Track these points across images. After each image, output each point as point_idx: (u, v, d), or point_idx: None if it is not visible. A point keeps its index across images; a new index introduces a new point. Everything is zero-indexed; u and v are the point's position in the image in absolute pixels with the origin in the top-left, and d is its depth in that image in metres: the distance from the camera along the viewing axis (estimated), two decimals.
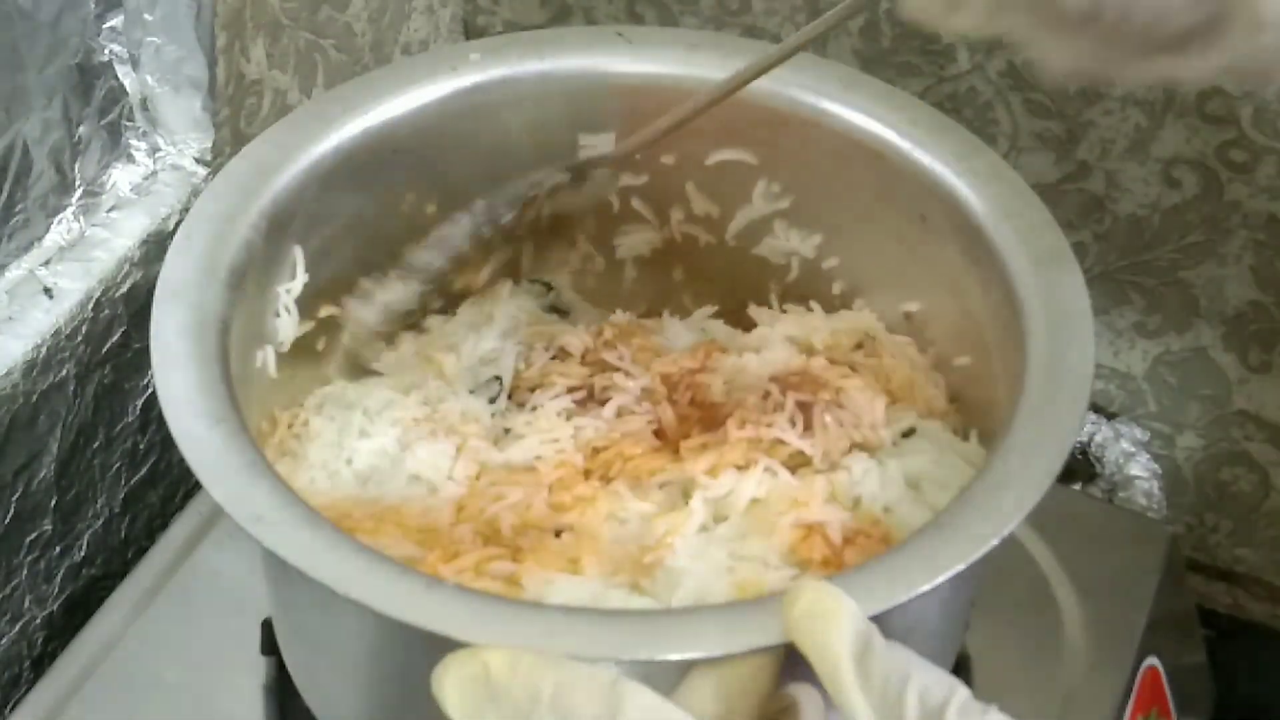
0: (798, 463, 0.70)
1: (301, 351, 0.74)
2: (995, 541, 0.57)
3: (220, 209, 0.68)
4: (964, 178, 0.70)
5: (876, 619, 0.55)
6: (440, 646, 0.55)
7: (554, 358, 0.76)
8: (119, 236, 0.81)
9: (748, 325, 0.80)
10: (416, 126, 0.74)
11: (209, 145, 0.85)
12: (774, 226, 0.79)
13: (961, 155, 0.71)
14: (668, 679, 0.58)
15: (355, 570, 0.56)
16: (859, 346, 0.76)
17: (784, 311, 0.79)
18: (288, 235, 0.71)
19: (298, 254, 0.72)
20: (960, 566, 0.56)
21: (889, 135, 0.73)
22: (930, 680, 0.52)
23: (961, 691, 0.52)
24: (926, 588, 0.56)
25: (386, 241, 0.77)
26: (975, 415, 0.73)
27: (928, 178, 0.71)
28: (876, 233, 0.75)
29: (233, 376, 0.63)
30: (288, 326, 0.72)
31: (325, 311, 0.75)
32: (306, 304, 0.73)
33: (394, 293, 0.75)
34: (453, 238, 0.75)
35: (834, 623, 0.52)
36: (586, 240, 0.81)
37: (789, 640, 0.53)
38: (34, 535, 0.79)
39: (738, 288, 0.81)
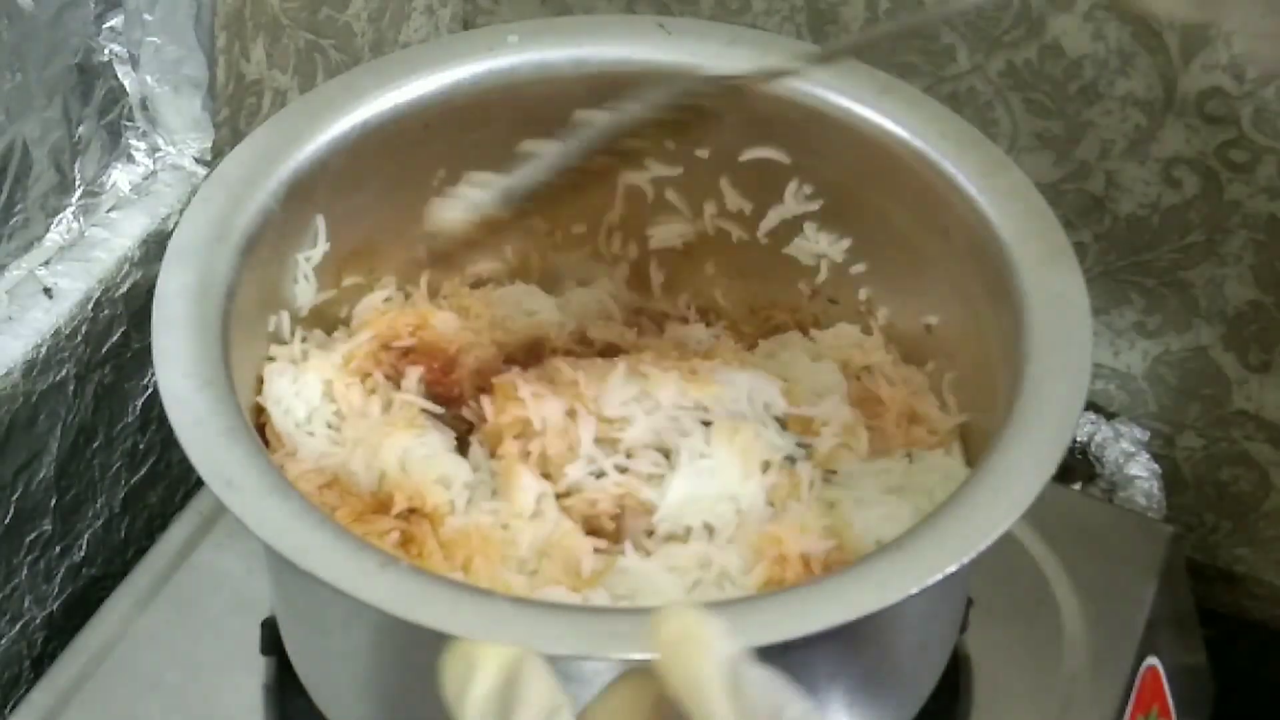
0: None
1: (323, 319, 0.74)
2: (984, 546, 0.57)
3: (241, 174, 0.68)
4: (986, 195, 0.70)
5: (865, 620, 0.55)
6: (407, 633, 0.55)
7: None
8: (119, 236, 0.81)
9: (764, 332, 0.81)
10: (450, 104, 0.74)
11: (209, 145, 0.85)
12: (804, 227, 0.79)
13: (987, 172, 0.71)
14: (616, 674, 0.58)
15: (316, 542, 0.56)
16: (857, 378, 0.76)
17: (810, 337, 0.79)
18: (310, 203, 0.71)
19: (320, 222, 0.72)
20: (950, 569, 0.56)
21: (918, 146, 0.72)
22: (802, 711, 0.47)
23: None
24: (914, 591, 0.56)
25: (416, 214, 0.77)
26: (979, 427, 0.72)
27: (951, 192, 0.71)
28: (902, 242, 0.75)
29: (234, 340, 0.64)
30: (306, 293, 0.73)
31: (350, 280, 0.75)
32: (329, 272, 0.74)
33: (481, 195, 0.70)
34: (561, 155, 0.69)
35: (703, 651, 0.47)
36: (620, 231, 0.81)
37: (657, 668, 0.48)
38: (34, 535, 0.79)
39: (768, 285, 0.81)
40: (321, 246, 0.73)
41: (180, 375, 0.60)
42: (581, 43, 0.76)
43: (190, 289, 0.63)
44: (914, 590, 0.56)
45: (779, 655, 0.59)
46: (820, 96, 0.74)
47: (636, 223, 0.81)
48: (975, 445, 0.72)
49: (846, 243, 0.78)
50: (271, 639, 0.74)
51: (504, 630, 0.54)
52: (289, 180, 0.69)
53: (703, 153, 0.77)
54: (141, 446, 0.85)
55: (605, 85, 0.76)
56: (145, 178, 0.84)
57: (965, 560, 0.56)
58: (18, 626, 0.80)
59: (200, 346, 0.61)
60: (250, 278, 0.66)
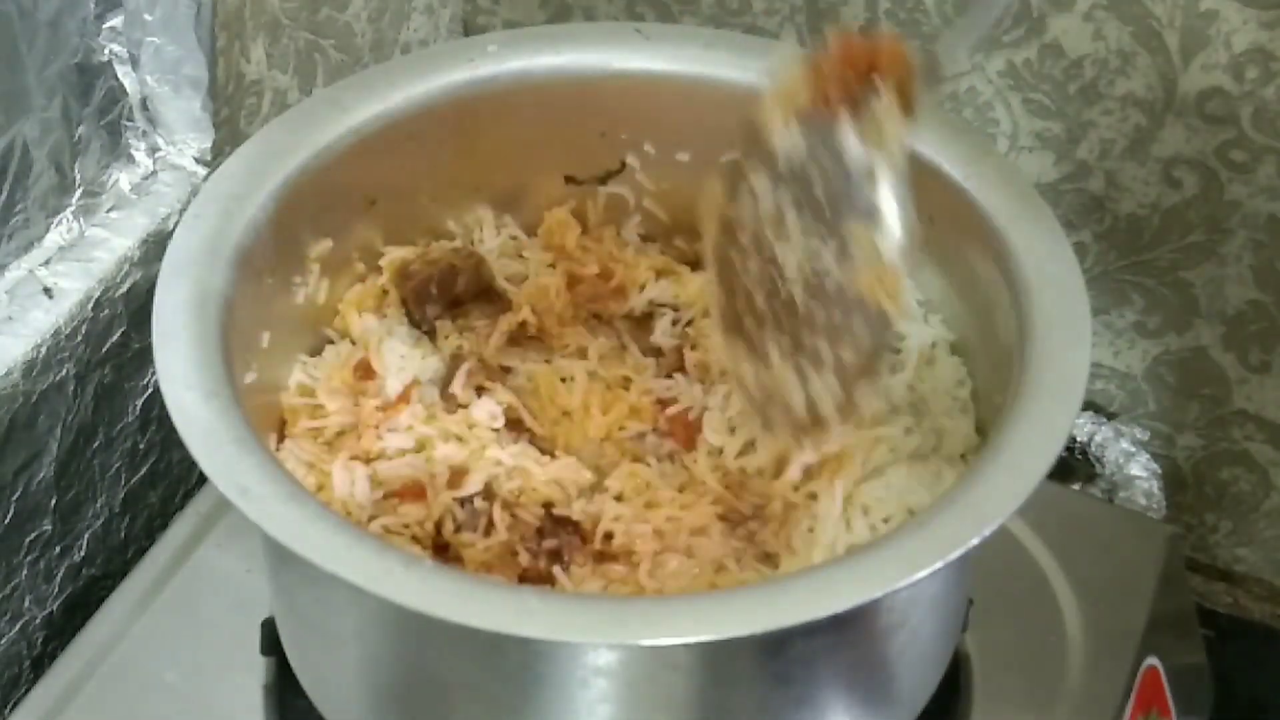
0: None
1: (318, 328, 0.74)
2: (975, 542, 0.57)
3: (231, 189, 0.68)
4: (971, 181, 0.70)
5: (857, 613, 0.55)
6: (425, 627, 0.55)
7: None
8: (119, 236, 0.81)
9: None
10: (434, 115, 0.74)
11: (208, 145, 0.85)
12: None
13: (970, 158, 0.71)
14: (640, 664, 0.59)
15: (337, 545, 0.56)
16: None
17: None
18: (299, 217, 0.71)
19: (310, 235, 0.72)
20: (937, 565, 0.56)
21: None
22: None
23: None
24: (900, 585, 0.56)
25: (404, 228, 0.77)
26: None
27: (935, 180, 0.71)
28: None
29: (233, 351, 0.64)
30: (301, 303, 0.73)
31: (343, 289, 0.75)
32: (323, 282, 0.74)
33: None
34: None
35: None
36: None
37: None
38: (34, 535, 0.79)
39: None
40: (313, 259, 0.73)
41: (185, 389, 0.61)
42: (560, 50, 0.76)
43: (188, 303, 0.64)
44: (908, 580, 0.56)
45: (779, 651, 0.60)
46: None
47: (614, 224, 0.81)
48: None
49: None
50: (271, 639, 0.74)
51: (533, 622, 0.54)
52: (278, 194, 0.69)
53: (684, 155, 0.78)
54: (141, 446, 0.85)
55: (582, 92, 0.76)
56: (145, 178, 0.84)
57: (942, 563, 0.56)
58: (18, 626, 0.80)
59: (202, 359, 0.62)
60: (246, 290, 0.67)
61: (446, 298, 0.75)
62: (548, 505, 0.68)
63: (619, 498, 0.68)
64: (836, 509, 0.66)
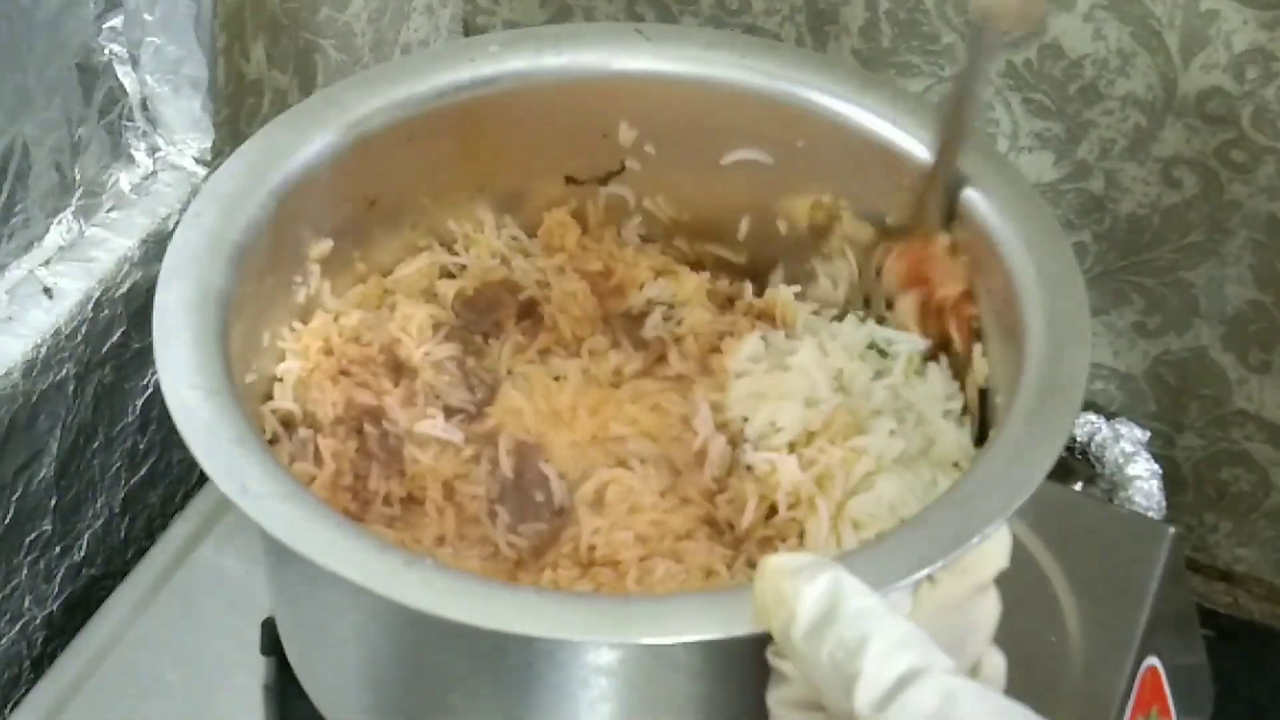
0: None
1: (321, 326, 0.74)
2: (975, 541, 0.57)
3: (232, 188, 0.68)
4: (971, 181, 0.70)
5: None
6: (425, 626, 0.55)
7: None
8: (119, 236, 0.81)
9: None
10: (434, 114, 0.74)
11: (208, 145, 0.85)
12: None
13: (970, 158, 0.71)
14: (641, 663, 0.59)
15: (336, 544, 0.56)
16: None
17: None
18: (300, 215, 0.71)
19: (310, 235, 0.72)
20: (937, 565, 0.56)
21: (901, 139, 0.73)
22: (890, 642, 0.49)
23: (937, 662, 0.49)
24: (900, 585, 0.56)
25: (404, 228, 0.77)
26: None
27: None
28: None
29: (234, 350, 0.64)
30: (303, 302, 0.73)
31: (345, 288, 0.75)
32: (324, 281, 0.74)
33: None
34: None
35: (785, 618, 0.51)
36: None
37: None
38: (34, 535, 0.79)
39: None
40: (314, 259, 0.73)
41: (186, 386, 0.61)
42: (562, 50, 0.76)
43: (189, 301, 0.64)
44: (908, 581, 0.56)
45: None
46: (802, 96, 0.74)
47: (612, 224, 0.81)
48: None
49: None
50: (271, 639, 0.74)
51: (534, 621, 0.54)
52: (278, 193, 0.69)
53: (684, 156, 0.78)
54: (141, 446, 0.85)
55: (583, 93, 0.76)
56: (145, 178, 0.84)
57: (943, 562, 0.56)
58: (18, 626, 0.80)
59: (203, 358, 0.62)
60: (247, 289, 0.67)
61: (489, 321, 0.75)
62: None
63: (599, 501, 0.68)
64: (824, 528, 0.66)
